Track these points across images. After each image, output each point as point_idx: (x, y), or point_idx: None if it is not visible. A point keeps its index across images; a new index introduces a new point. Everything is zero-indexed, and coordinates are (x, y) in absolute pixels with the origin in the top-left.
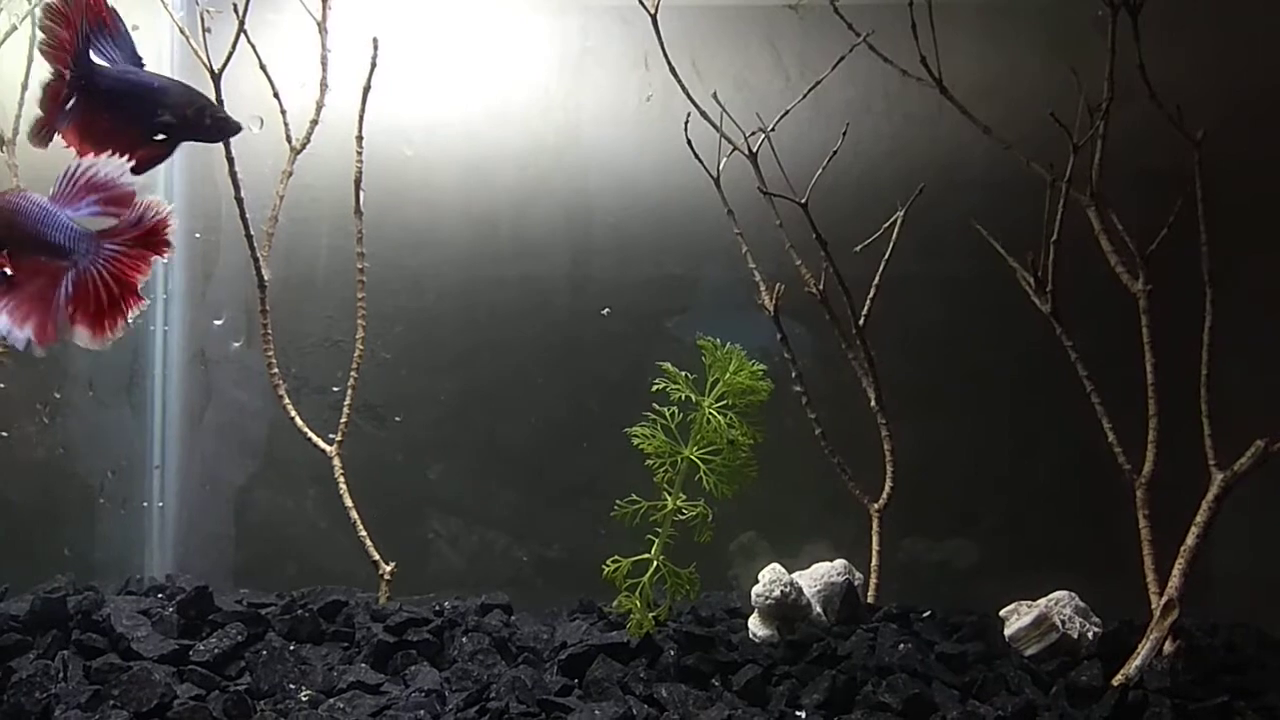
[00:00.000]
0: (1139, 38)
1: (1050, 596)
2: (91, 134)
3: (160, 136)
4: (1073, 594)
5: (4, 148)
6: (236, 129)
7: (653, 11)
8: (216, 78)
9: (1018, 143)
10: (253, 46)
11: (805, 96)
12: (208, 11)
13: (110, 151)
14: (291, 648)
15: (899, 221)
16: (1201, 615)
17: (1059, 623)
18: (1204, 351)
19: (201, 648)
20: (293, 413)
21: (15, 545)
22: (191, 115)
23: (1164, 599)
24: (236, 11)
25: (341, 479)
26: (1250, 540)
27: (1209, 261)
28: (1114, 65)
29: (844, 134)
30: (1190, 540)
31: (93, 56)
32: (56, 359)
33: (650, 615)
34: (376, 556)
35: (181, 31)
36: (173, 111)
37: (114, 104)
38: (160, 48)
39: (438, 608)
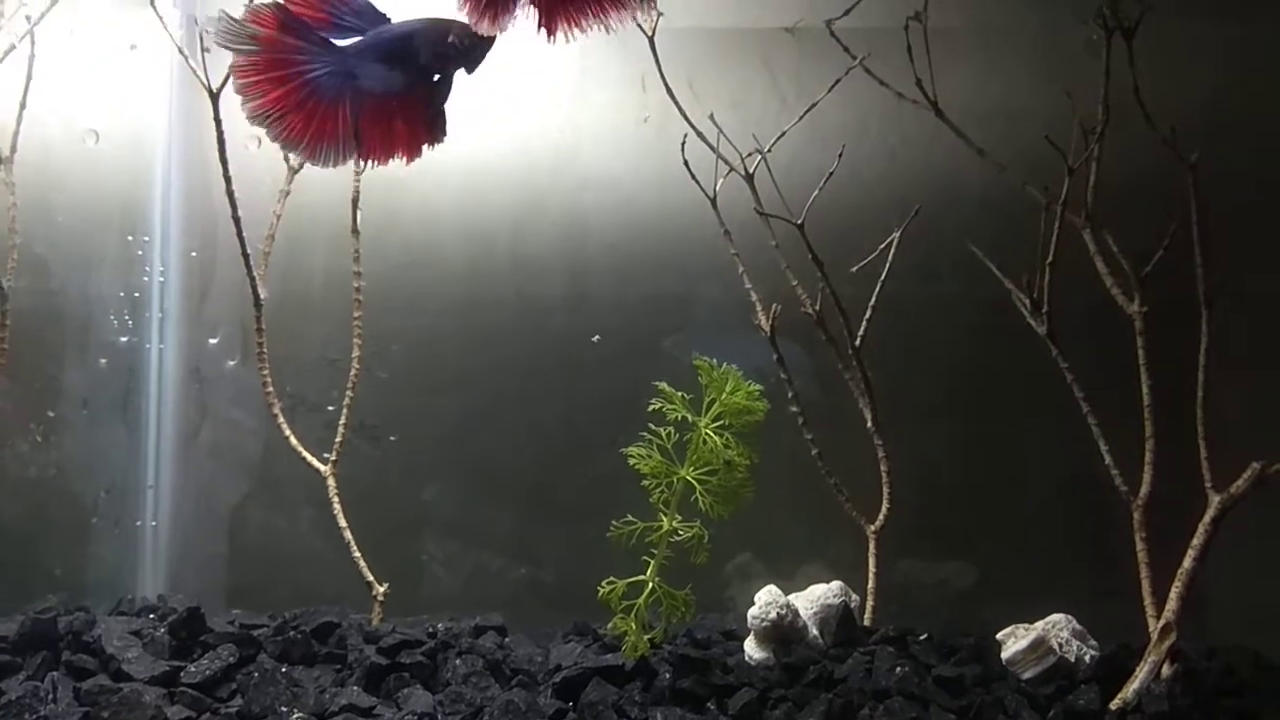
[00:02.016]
0: (1133, 61)
1: (1047, 619)
2: (378, 121)
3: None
4: (1070, 617)
5: (2, 166)
6: (489, 41)
7: (650, 34)
8: (215, 97)
9: (1013, 165)
10: None
11: (801, 119)
12: (206, 31)
13: (406, 123)
14: (284, 669)
15: (895, 243)
16: (1199, 638)
17: (1056, 646)
18: (1200, 373)
19: (193, 669)
20: (287, 432)
21: (6, 565)
22: (449, 46)
23: (1161, 622)
24: None
25: (336, 499)
26: (1248, 563)
27: (1205, 283)
28: (1108, 89)
29: (840, 156)
30: (1187, 563)
31: (335, 40)
32: (52, 376)
33: (645, 637)
34: (370, 577)
35: (180, 51)
36: (432, 52)
37: (383, 79)
38: (160, 66)
39: (431, 629)
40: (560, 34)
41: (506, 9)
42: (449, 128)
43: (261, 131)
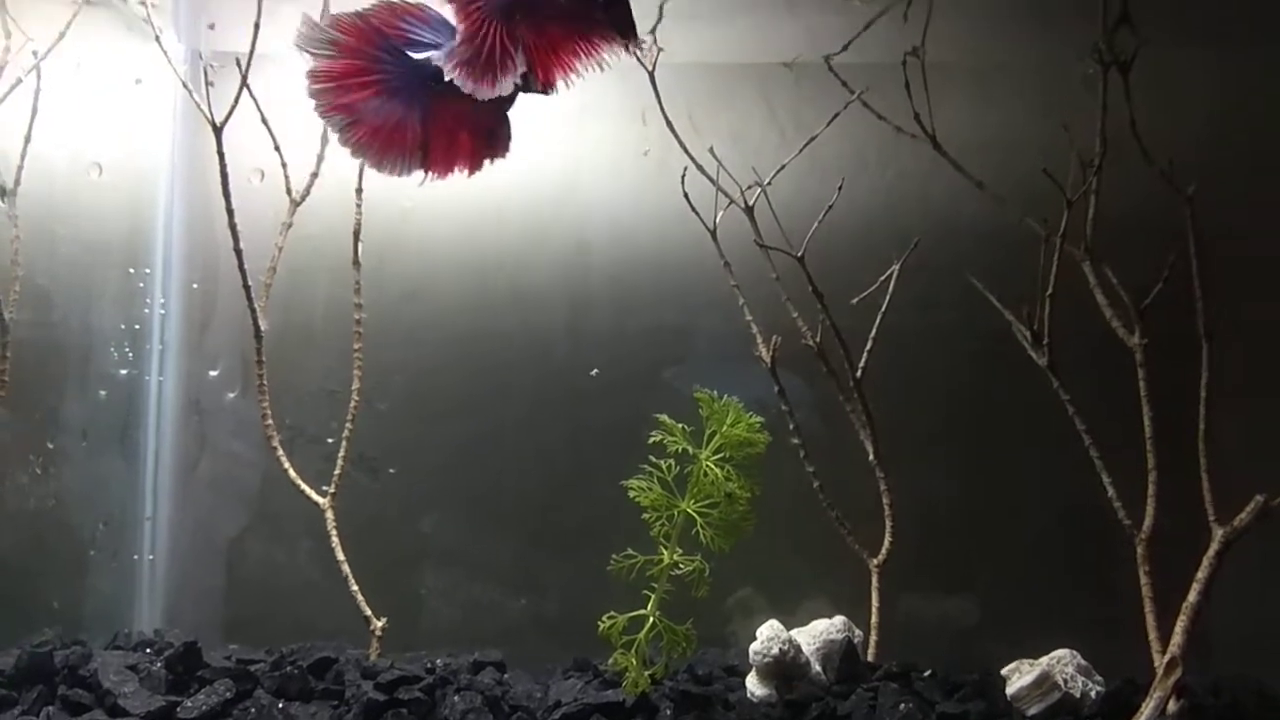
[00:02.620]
0: (1130, 95)
1: (1052, 654)
2: (444, 134)
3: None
4: (1074, 652)
5: (4, 198)
6: None
7: (650, 69)
8: (218, 131)
9: (1011, 198)
10: (255, 100)
11: (800, 152)
12: (211, 66)
13: (470, 136)
14: (280, 705)
15: (895, 274)
16: (1204, 673)
17: (1061, 681)
18: (1202, 406)
19: (189, 704)
20: (286, 464)
21: (4, 597)
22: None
23: (1166, 657)
24: (240, 66)
25: (334, 531)
26: (1252, 596)
27: (1205, 316)
28: (1105, 122)
29: (839, 189)
30: (1192, 597)
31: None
32: (52, 408)
33: (646, 673)
34: (368, 611)
35: (184, 85)
36: None
37: (452, 93)
38: (164, 100)
39: (429, 665)
40: (560, 84)
41: (503, 71)
42: (510, 145)
43: (262, 168)
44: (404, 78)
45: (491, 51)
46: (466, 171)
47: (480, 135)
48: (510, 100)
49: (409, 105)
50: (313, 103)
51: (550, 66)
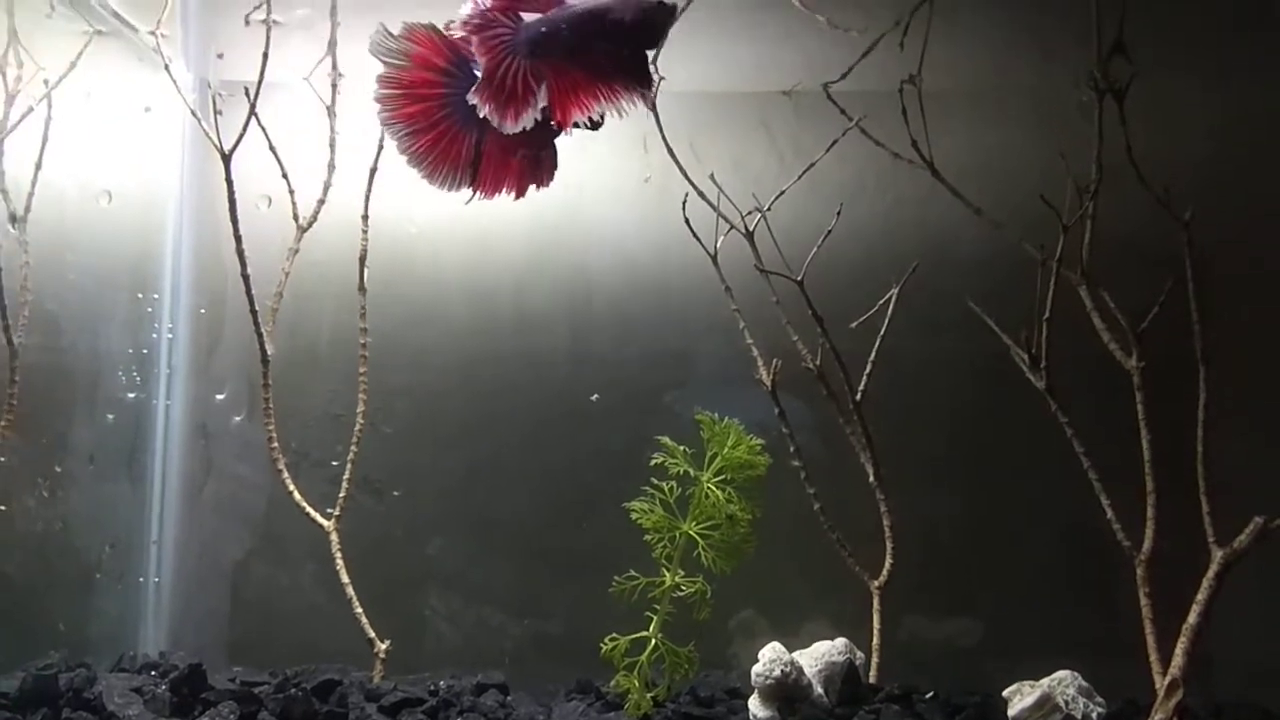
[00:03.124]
0: (1125, 122)
1: (1053, 676)
2: (497, 155)
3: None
4: (1075, 674)
5: (15, 225)
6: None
7: (651, 96)
8: (227, 159)
9: (1008, 223)
10: (263, 128)
11: (800, 178)
12: (219, 94)
13: (521, 161)
14: None
15: (893, 298)
16: (1205, 694)
17: (1062, 703)
18: (1199, 429)
19: None
20: (291, 487)
21: (9, 620)
22: (627, 18)
23: (1167, 679)
24: (248, 95)
25: (338, 554)
26: (1253, 617)
27: (1201, 339)
28: (1101, 148)
29: (838, 214)
30: (1192, 618)
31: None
32: (60, 432)
33: (649, 695)
34: (372, 634)
35: (193, 113)
36: (614, 32)
37: (570, 56)
38: (173, 128)
39: (433, 687)
40: (575, 124)
41: (524, 106)
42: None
43: (269, 195)
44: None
45: (513, 86)
46: (513, 195)
47: (530, 161)
48: (557, 131)
49: (467, 123)
50: (377, 107)
51: (568, 106)
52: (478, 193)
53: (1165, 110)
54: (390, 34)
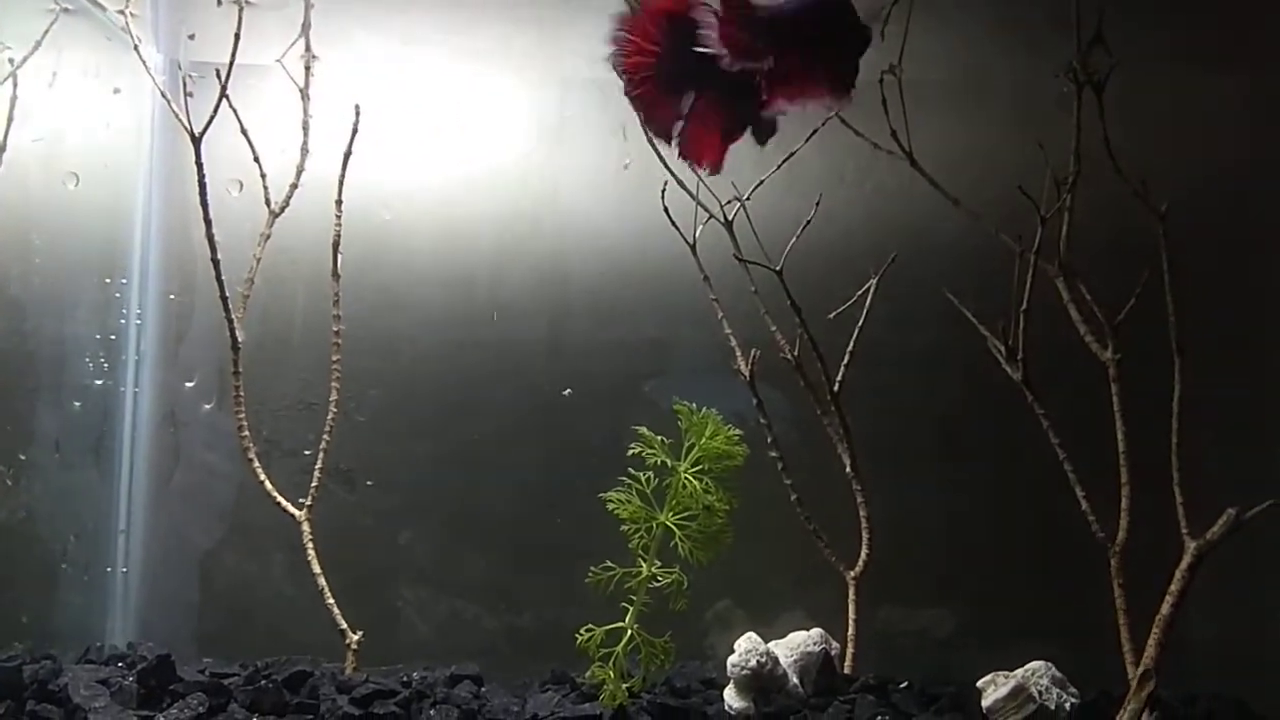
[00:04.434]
0: (1103, 114)
1: (1027, 667)
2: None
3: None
4: (1050, 664)
5: None
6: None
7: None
8: (197, 141)
9: (987, 214)
10: (234, 111)
11: (779, 168)
12: (190, 76)
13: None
14: (254, 719)
15: (872, 289)
16: (1179, 685)
17: (1036, 693)
18: (1174, 420)
19: (161, 719)
20: (262, 476)
21: None
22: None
23: (1140, 669)
24: (219, 77)
25: (310, 544)
26: (1225, 608)
27: (1176, 331)
28: (1079, 140)
29: (817, 204)
30: (1165, 609)
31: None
32: (24, 419)
33: (624, 686)
34: (344, 625)
35: (163, 95)
36: (823, 30)
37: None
38: (142, 110)
39: (405, 679)
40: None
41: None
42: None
43: (241, 179)
44: (692, 57)
45: (746, 43)
46: (709, 167)
47: (731, 132)
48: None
49: (687, 81)
50: (611, 49)
51: (774, 89)
52: (680, 155)
53: (1145, 102)
54: None
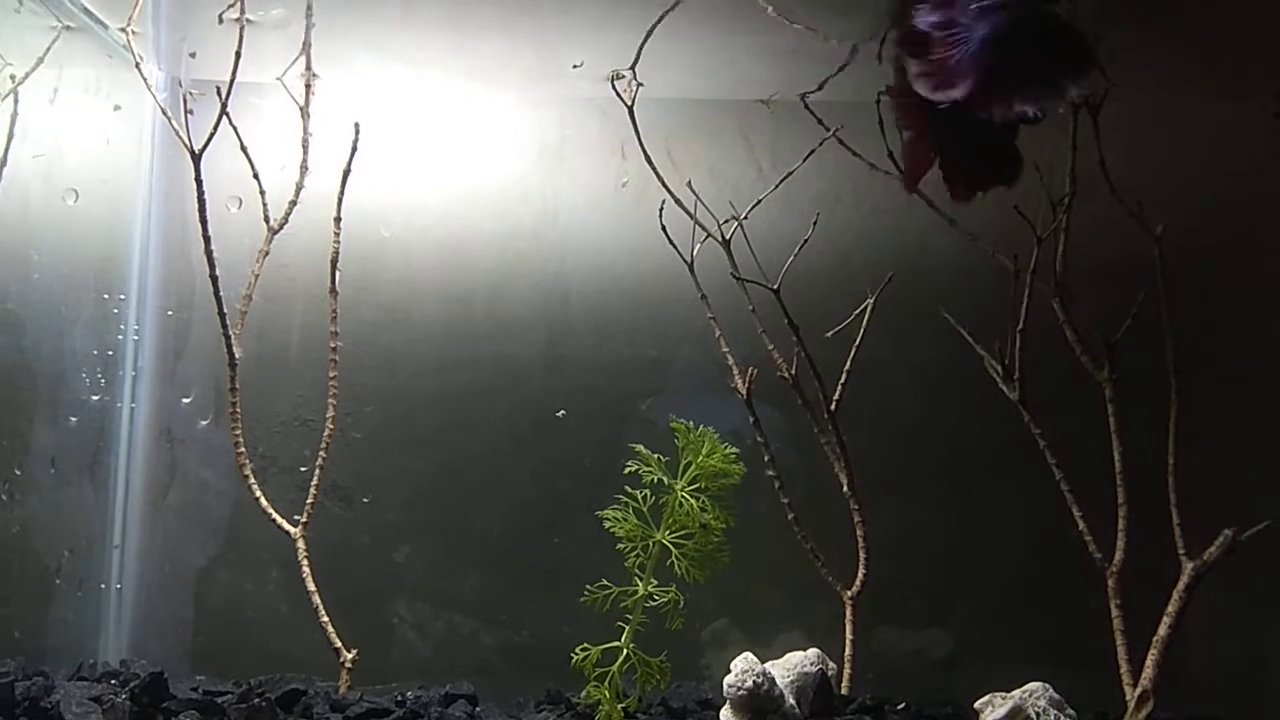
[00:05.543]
0: (1099, 136)
1: (1024, 688)
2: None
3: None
4: (1047, 685)
5: None
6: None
7: (629, 103)
8: (197, 158)
9: (983, 234)
10: (234, 128)
11: (777, 187)
12: (191, 93)
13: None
14: None
15: (869, 308)
16: (1175, 706)
17: (1033, 715)
18: (1170, 441)
19: None
20: (257, 492)
21: None
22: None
23: (1138, 690)
24: (220, 94)
25: (305, 561)
26: (1222, 629)
27: (1173, 352)
28: (1075, 162)
29: (814, 223)
30: (1162, 630)
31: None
32: (21, 434)
33: (620, 706)
34: (338, 643)
35: (164, 112)
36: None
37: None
38: (142, 127)
39: (400, 698)
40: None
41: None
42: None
43: (240, 196)
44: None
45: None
46: (954, 196)
47: (983, 163)
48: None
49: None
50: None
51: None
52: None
53: (1139, 124)
54: None
